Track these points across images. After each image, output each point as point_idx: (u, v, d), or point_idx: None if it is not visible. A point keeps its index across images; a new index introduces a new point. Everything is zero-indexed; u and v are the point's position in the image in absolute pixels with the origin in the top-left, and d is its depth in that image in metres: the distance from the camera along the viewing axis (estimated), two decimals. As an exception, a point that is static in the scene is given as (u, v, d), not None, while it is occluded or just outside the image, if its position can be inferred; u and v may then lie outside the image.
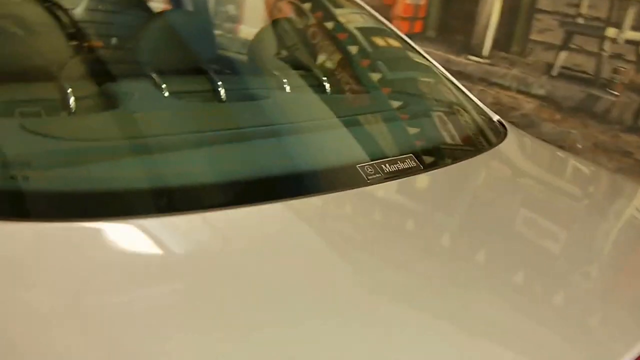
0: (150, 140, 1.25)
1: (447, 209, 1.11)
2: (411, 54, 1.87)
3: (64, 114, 1.29)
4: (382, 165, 1.15)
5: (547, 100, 4.07)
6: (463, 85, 1.89)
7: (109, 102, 1.34)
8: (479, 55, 4.29)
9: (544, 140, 1.82)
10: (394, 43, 1.94)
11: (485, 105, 1.84)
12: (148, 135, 1.26)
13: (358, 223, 0.98)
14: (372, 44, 1.88)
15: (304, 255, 0.87)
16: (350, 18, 1.98)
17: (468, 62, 4.31)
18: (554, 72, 4.01)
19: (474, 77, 4.25)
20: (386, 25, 1.96)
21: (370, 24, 1.96)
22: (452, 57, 4.36)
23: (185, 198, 0.98)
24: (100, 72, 1.61)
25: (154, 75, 1.51)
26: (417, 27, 4.56)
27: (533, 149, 1.66)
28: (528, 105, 4.19)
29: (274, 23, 2.16)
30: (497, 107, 4.22)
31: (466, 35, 4.34)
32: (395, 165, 1.17)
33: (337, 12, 1.97)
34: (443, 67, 2.00)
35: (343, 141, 1.27)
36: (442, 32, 4.48)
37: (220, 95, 1.59)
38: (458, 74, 4.32)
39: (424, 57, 1.90)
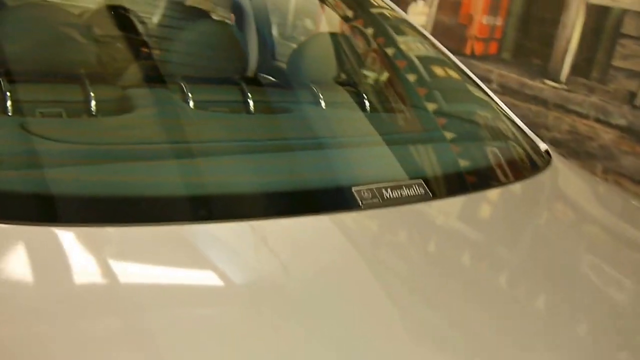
0: (165, 147, 1.23)
1: (442, 244, 1.02)
2: (456, 75, 1.77)
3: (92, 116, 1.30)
4: (383, 190, 1.07)
5: (628, 131, 3.81)
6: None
7: (131, 107, 1.34)
8: (556, 80, 4.08)
9: (623, 175, 1.68)
10: (441, 65, 1.84)
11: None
12: (164, 142, 1.25)
13: (327, 252, 0.91)
14: (417, 64, 1.80)
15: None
16: (400, 39, 1.90)
17: (544, 86, 4.10)
18: (638, 102, 3.75)
19: (550, 103, 4.04)
20: (432, 43, 1.86)
21: (423, 47, 1.87)
22: (527, 81, 4.16)
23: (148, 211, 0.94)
24: (130, 77, 1.62)
25: (183, 84, 1.50)
26: (492, 48, 4.40)
27: (575, 181, 1.52)
28: (607, 135, 3.94)
29: (315, 37, 2.12)
30: (573, 136, 3.99)
31: (543, 58, 4.14)
32: (398, 191, 1.08)
33: (384, 28, 1.90)
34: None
35: (350, 161, 1.20)
36: (518, 55, 4.29)
37: (249, 107, 1.56)
38: (532, 99, 4.13)
39: (471, 79, 1.79)
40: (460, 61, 1.94)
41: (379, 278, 0.88)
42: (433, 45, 1.85)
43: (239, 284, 0.87)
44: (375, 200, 1.05)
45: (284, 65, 2.18)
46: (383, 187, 1.08)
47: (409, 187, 1.11)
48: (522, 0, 4.28)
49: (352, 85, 1.83)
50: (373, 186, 1.07)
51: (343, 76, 1.87)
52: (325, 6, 2.52)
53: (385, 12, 1.96)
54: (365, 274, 0.89)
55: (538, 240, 1.20)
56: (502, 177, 1.36)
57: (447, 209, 1.12)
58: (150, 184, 1.09)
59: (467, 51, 4.45)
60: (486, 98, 1.73)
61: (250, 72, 2.09)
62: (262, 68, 2.22)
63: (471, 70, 1.86)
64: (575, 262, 1.15)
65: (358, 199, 1.03)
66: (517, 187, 1.31)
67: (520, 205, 1.30)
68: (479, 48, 4.42)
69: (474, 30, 4.42)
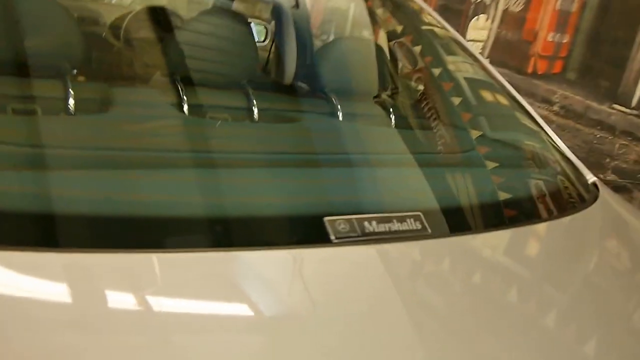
0: (143, 154, 1.06)
1: (426, 296, 0.79)
2: (503, 99, 1.53)
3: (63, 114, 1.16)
4: (365, 223, 0.85)
5: None
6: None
7: (111, 108, 1.18)
8: (626, 105, 3.72)
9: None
10: (486, 87, 1.60)
11: (625, 163, 1.48)
12: (146, 149, 1.08)
13: (262, 296, 0.70)
14: (461, 85, 1.57)
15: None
16: (445, 58, 1.68)
17: (612, 111, 3.76)
18: None
19: (617, 129, 3.69)
20: (481, 63, 1.63)
21: (470, 68, 1.65)
22: (593, 104, 3.83)
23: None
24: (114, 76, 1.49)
25: (179, 85, 1.34)
26: (557, 67, 4.09)
27: (625, 218, 1.26)
28: (682, 168, 3.57)
29: (335, 42, 1.94)
30: (642, 167, 3.64)
31: (613, 81, 3.79)
32: (386, 225, 0.86)
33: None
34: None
35: (333, 184, 0.99)
36: (584, 75, 3.96)
37: (253, 115, 1.39)
38: (597, 124, 3.79)
39: (518, 102, 1.54)
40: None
41: (319, 335, 0.67)
42: (482, 66, 1.62)
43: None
44: (353, 234, 0.83)
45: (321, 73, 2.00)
46: (367, 219, 0.86)
47: (401, 220, 0.88)
48: (592, 17, 3.96)
49: (383, 98, 1.63)
50: (353, 217, 0.85)
51: (372, 87, 1.67)
52: (378, 18, 2.34)
53: (436, 29, 1.76)
54: (301, 327, 0.68)
55: (572, 294, 0.96)
56: (531, 214, 1.12)
57: (446, 250, 0.89)
58: (120, 202, 0.91)
59: (529, 69, 4.15)
60: (530, 124, 1.48)
61: (287, 80, 1.91)
62: (299, 75, 2.04)
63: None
64: (623, 315, 0.92)
65: (330, 231, 0.82)
66: (549, 226, 1.07)
67: (550, 248, 1.05)
68: (542, 66, 4.11)
69: (537, 48, 4.12)
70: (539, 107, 3.97)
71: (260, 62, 2.04)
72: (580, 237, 1.18)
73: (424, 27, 1.75)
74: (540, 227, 1.11)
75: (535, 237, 1.11)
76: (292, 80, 1.97)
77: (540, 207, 1.21)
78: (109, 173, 0.96)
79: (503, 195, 1.15)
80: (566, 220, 1.14)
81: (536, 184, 1.29)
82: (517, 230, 1.06)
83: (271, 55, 2.10)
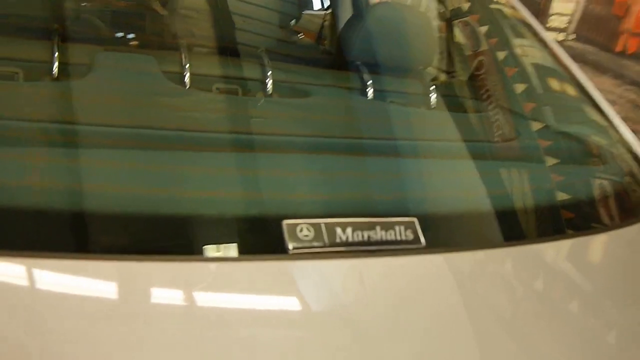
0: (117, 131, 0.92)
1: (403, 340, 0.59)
2: (571, 89, 1.29)
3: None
4: (337, 229, 0.68)
5: None
6: None
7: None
8: None
9: None
10: (552, 75, 1.38)
11: None
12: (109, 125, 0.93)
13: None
14: (525, 71, 1.36)
15: None
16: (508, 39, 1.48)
17: None
18: None
19: None
20: (548, 47, 1.40)
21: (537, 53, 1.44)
22: (689, 89, 3.43)
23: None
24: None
25: (183, 52, 1.20)
26: (650, 46, 3.68)
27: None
28: None
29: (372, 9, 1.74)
30: None
31: None
32: (365, 233, 0.69)
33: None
34: None
35: (310, 177, 0.80)
36: (681, 56, 3.55)
37: (266, 88, 1.24)
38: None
39: (579, 85, 1.30)
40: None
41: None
42: (551, 51, 1.39)
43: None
44: (317, 244, 0.66)
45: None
46: (340, 224, 0.68)
47: (388, 227, 0.70)
48: (696, -10, 3.52)
49: (425, 75, 1.45)
50: (322, 221, 0.68)
51: (411, 62, 1.48)
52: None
53: (505, 9, 1.56)
54: None
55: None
56: (587, 221, 0.91)
57: (441, 271, 0.70)
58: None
59: (618, 48, 3.75)
60: (597, 116, 1.26)
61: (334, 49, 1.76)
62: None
63: (621, 71, 1.40)
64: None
65: (288, 240, 0.65)
66: (611, 237, 0.86)
67: (610, 263, 0.84)
68: (632, 45, 3.71)
69: (629, 23, 3.70)
70: (626, 89, 3.60)
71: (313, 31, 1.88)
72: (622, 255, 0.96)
73: (492, 7, 1.56)
74: (600, 238, 0.91)
75: (592, 249, 0.90)
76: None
77: (601, 212, 1.00)
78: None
79: (529, 202, 0.94)
80: (629, 230, 0.93)
81: (599, 184, 1.08)
82: (534, 247, 0.83)
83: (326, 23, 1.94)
